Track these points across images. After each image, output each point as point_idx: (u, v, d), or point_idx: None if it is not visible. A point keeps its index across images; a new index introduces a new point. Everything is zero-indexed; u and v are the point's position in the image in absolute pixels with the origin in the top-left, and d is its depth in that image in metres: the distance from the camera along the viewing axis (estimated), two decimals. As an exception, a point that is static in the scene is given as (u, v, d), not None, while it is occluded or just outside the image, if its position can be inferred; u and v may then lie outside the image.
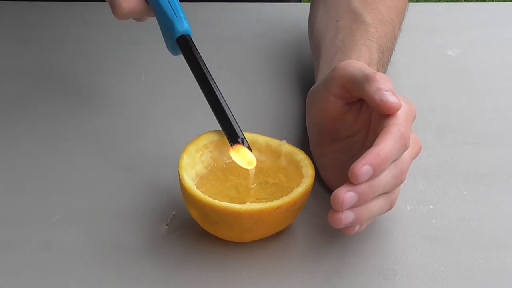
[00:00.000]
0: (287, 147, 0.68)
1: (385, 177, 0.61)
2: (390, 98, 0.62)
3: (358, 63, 0.67)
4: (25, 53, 0.91)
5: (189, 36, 0.70)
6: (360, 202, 0.59)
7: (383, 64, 0.75)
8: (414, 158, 0.65)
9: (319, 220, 0.67)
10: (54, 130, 0.78)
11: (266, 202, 0.62)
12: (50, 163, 0.74)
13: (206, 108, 0.82)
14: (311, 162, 0.66)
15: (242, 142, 0.66)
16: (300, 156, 0.67)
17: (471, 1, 1.97)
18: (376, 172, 0.59)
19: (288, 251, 0.65)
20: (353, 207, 0.59)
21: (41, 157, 0.75)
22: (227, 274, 0.63)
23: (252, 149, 0.68)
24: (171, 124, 0.79)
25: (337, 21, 0.78)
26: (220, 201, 0.62)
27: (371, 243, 0.65)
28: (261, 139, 0.69)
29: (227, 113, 0.67)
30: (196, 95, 0.84)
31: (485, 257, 0.65)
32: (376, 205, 0.62)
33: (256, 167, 0.66)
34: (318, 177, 0.66)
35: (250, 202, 0.63)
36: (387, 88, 0.63)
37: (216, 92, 0.68)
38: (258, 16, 0.98)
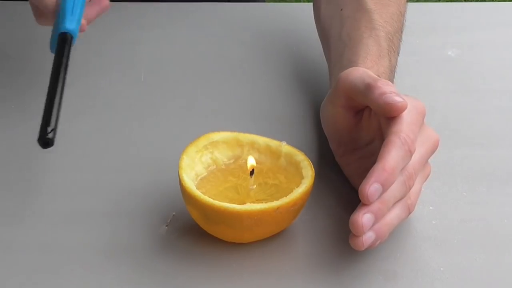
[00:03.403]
0: (286, 148, 0.68)
1: (394, 187, 0.61)
2: (394, 99, 0.62)
3: (358, 71, 0.66)
4: (25, 53, 0.91)
5: (71, 36, 0.70)
6: (377, 219, 0.60)
7: (394, 49, 0.75)
8: (429, 155, 0.65)
9: (319, 221, 0.67)
10: (54, 130, 0.78)
11: (266, 202, 0.62)
12: (50, 163, 0.74)
13: (206, 108, 0.82)
14: (311, 163, 0.66)
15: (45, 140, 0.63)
16: (300, 157, 0.67)
17: (471, 1, 1.96)
18: (385, 187, 0.59)
19: (288, 251, 0.65)
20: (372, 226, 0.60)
21: (41, 157, 0.75)
22: (227, 274, 0.63)
23: (252, 150, 0.68)
24: (171, 125, 0.79)
25: (341, 10, 0.78)
26: (220, 202, 0.62)
27: (371, 244, 0.65)
28: (261, 140, 0.69)
29: (54, 109, 0.65)
30: (196, 95, 0.84)
31: (485, 257, 0.65)
32: (393, 215, 0.62)
33: (256, 168, 0.66)
34: (318, 178, 0.66)
35: (250, 203, 0.63)
36: (389, 91, 0.63)
37: (58, 92, 0.66)
38: (258, 16, 0.98)
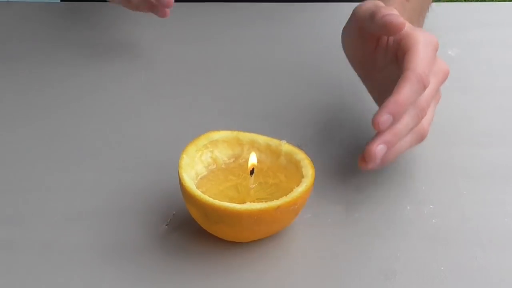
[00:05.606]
0: (286, 147, 0.68)
1: (406, 120, 0.65)
2: (393, 19, 0.67)
3: (370, 3, 0.71)
4: (25, 53, 0.91)
5: None
6: (389, 149, 0.65)
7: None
8: (440, 85, 0.69)
9: (319, 220, 0.67)
10: (54, 130, 0.78)
11: (266, 202, 0.62)
12: (50, 163, 0.74)
13: (206, 108, 0.82)
14: (311, 162, 0.66)
15: None
16: (300, 155, 0.67)
17: (471, 1, 1.96)
18: (396, 119, 0.64)
19: (288, 251, 0.65)
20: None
21: (41, 157, 0.75)
22: (227, 274, 0.63)
23: (252, 149, 0.68)
24: (171, 124, 0.79)
25: None
26: (220, 201, 0.62)
27: (371, 243, 0.65)
28: (261, 139, 0.69)
29: None
30: (196, 95, 0.84)
31: (485, 257, 0.65)
32: (404, 143, 0.67)
33: (256, 167, 0.66)
34: (318, 177, 0.66)
35: (250, 202, 0.63)
36: (391, 13, 0.67)
37: None
38: (259, 16, 0.98)
